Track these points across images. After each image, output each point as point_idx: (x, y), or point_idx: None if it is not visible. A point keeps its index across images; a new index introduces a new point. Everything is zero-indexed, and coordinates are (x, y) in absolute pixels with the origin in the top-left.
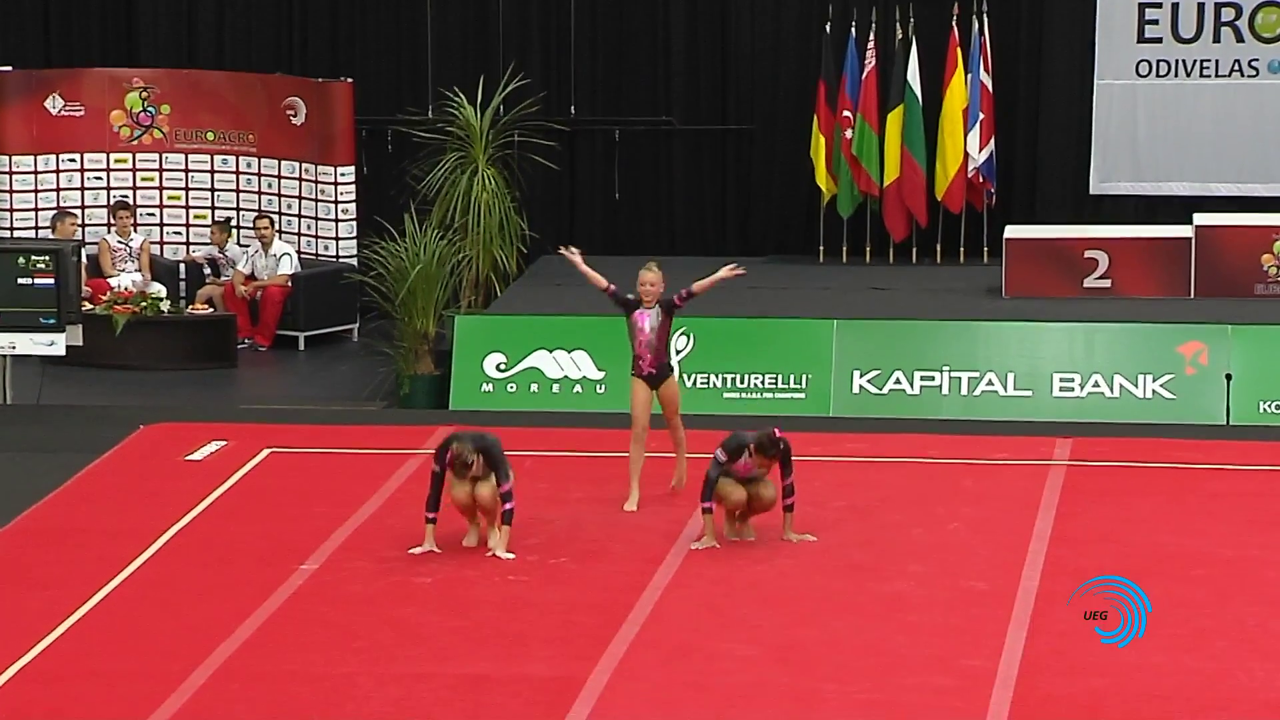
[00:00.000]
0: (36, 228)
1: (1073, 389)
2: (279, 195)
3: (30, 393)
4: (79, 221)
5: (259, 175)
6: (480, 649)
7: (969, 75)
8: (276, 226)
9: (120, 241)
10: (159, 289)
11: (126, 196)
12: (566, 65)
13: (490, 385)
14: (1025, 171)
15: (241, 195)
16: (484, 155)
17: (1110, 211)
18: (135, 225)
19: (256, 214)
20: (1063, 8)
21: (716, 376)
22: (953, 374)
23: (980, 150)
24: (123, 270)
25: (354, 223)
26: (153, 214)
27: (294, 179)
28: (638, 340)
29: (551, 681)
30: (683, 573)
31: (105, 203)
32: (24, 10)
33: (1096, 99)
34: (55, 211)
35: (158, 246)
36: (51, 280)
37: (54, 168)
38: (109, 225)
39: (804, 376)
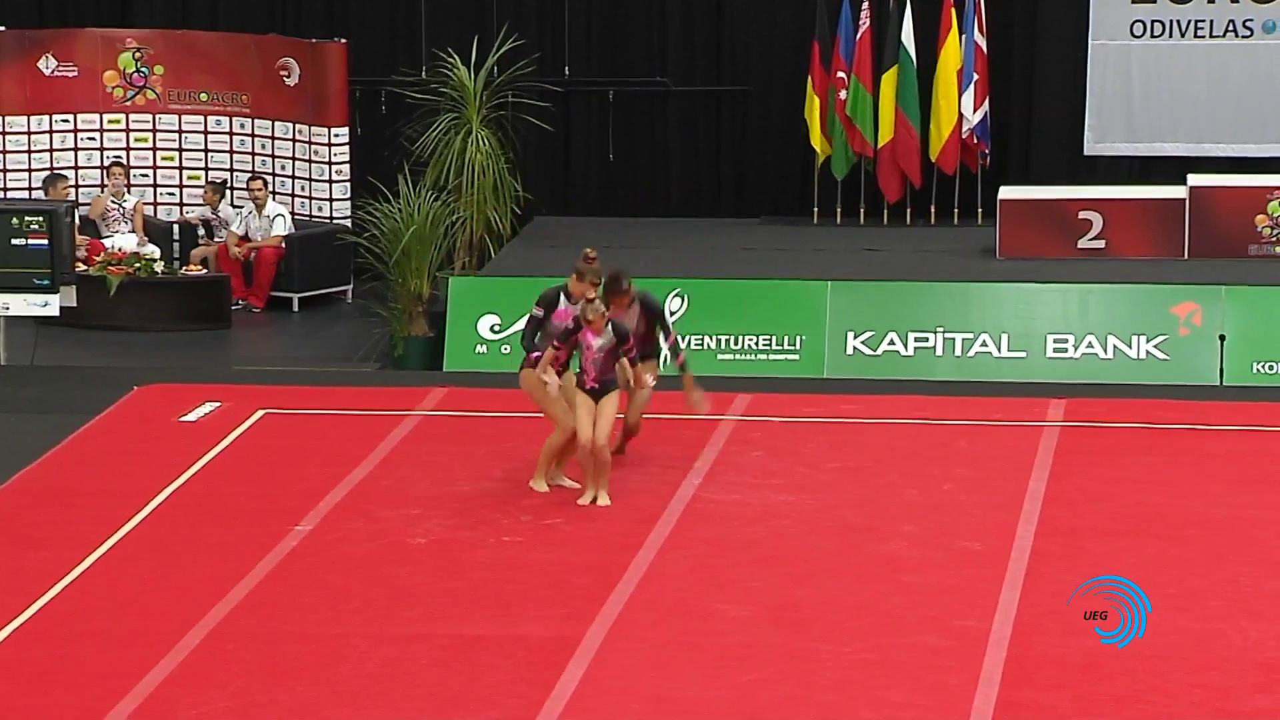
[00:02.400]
0: (30, 188)
1: (1066, 350)
2: (272, 156)
3: (24, 354)
4: (71, 183)
5: (253, 136)
6: (474, 610)
7: (964, 36)
8: (270, 188)
9: (114, 201)
10: (153, 250)
11: (120, 157)
12: (561, 26)
13: (484, 347)
14: (1019, 132)
15: (235, 156)
16: (478, 116)
17: (1104, 172)
18: (129, 186)
19: (250, 175)
20: None
21: (710, 338)
22: (947, 335)
23: (975, 111)
24: (116, 231)
25: (348, 184)
26: (146, 175)
27: (288, 140)
28: (585, 356)
29: (546, 642)
30: (677, 533)
31: (99, 164)
32: None
33: (1091, 60)
34: (48, 174)
35: (151, 207)
36: (45, 241)
37: (47, 128)
38: (103, 186)
39: (798, 338)
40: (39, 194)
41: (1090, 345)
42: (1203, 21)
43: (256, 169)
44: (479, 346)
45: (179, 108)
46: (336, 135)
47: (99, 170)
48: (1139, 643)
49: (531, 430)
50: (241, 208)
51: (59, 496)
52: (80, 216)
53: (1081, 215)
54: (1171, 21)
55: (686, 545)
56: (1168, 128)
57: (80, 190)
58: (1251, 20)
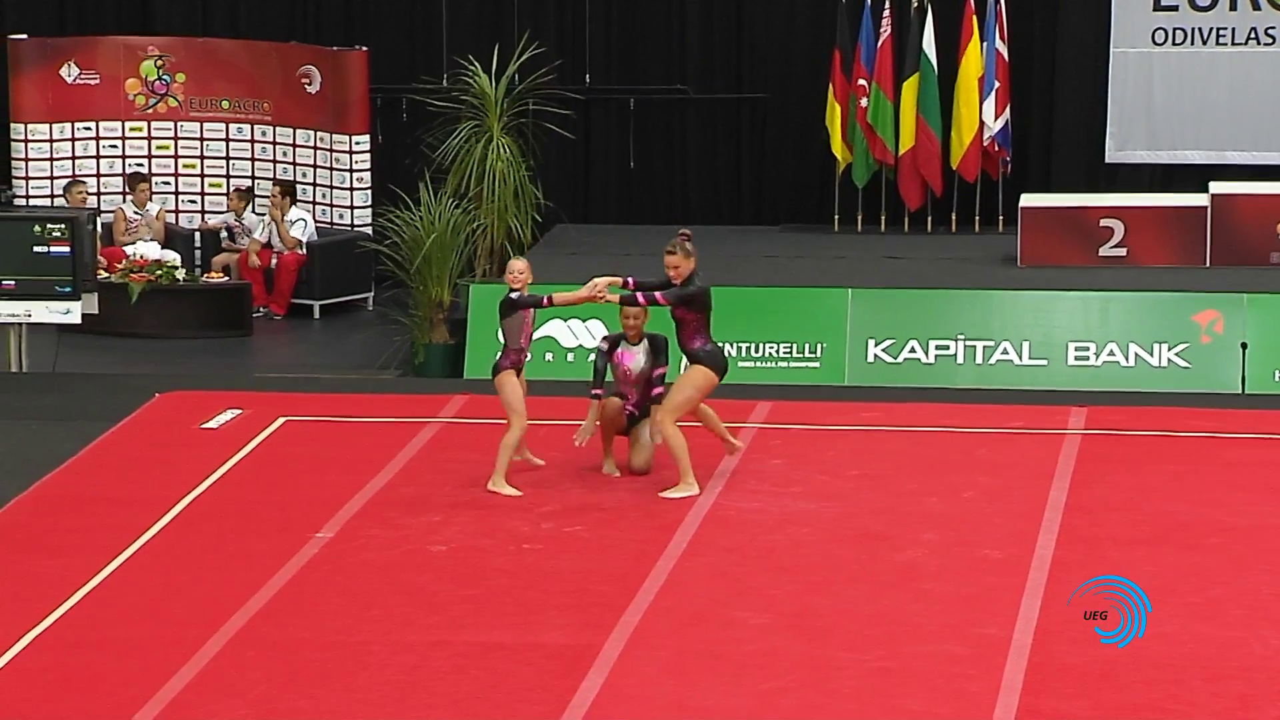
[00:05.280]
0: (52, 196)
1: (1088, 358)
2: (294, 164)
3: (46, 361)
4: (90, 190)
5: (274, 144)
6: (494, 618)
7: (984, 43)
8: (292, 197)
9: (136, 212)
10: (174, 257)
11: (142, 165)
12: (581, 34)
13: None
14: (1040, 140)
15: (256, 164)
16: (499, 124)
17: (1126, 180)
18: (151, 196)
19: (273, 182)
20: None
21: (731, 345)
22: (967, 343)
23: (995, 119)
24: (140, 239)
25: (369, 191)
26: (168, 182)
27: (309, 148)
28: (525, 334)
29: (566, 650)
30: (697, 541)
31: (120, 171)
32: None
33: (1112, 67)
34: (68, 180)
35: (173, 215)
36: (67, 248)
37: (69, 136)
38: (124, 194)
39: (819, 345)
40: (60, 201)
41: (1111, 353)
42: (1224, 29)
43: (278, 177)
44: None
45: (200, 115)
46: (358, 143)
47: (120, 178)
48: (1160, 651)
49: (553, 437)
50: (264, 215)
51: (80, 504)
52: (103, 224)
53: (1103, 223)
54: (1193, 29)
55: (706, 553)
56: (1189, 135)
57: (102, 198)
58: (1274, 28)
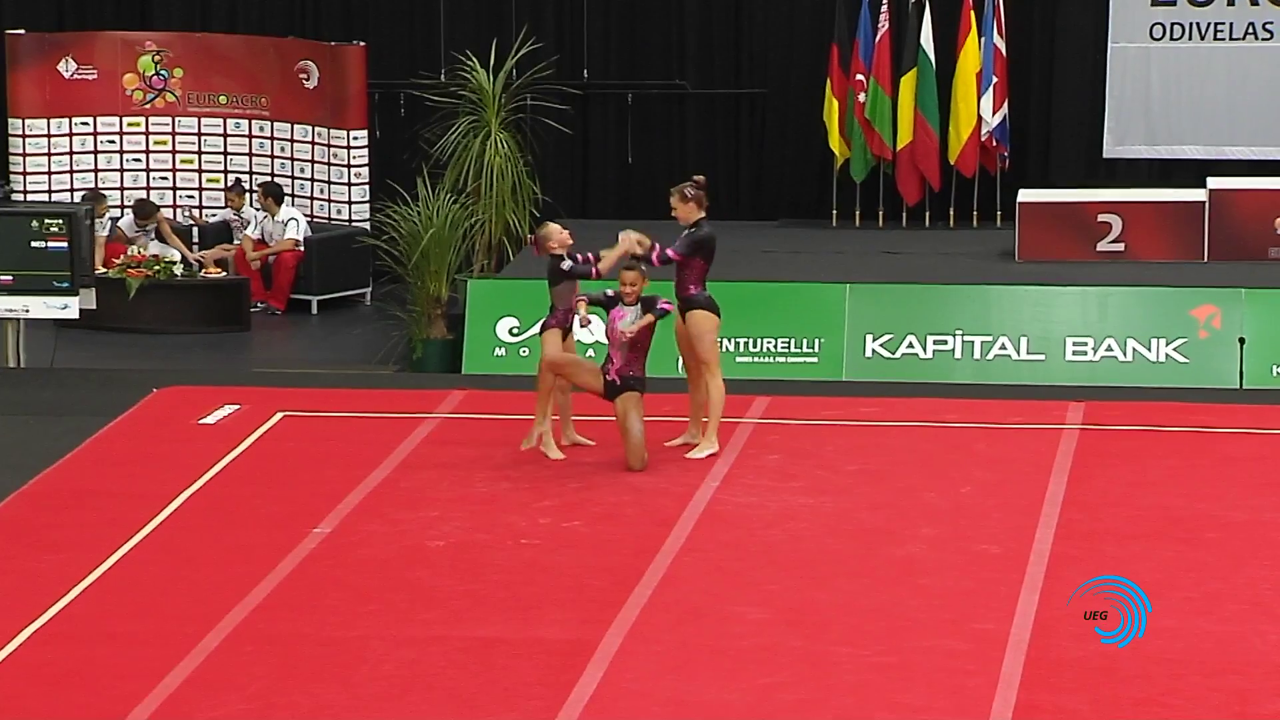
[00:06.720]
0: (49, 191)
1: (1086, 353)
2: (291, 159)
3: (44, 356)
4: (115, 202)
5: (271, 139)
6: (493, 613)
7: (983, 38)
8: (276, 198)
9: (139, 229)
10: (174, 253)
11: (139, 160)
12: (579, 28)
13: (503, 349)
14: (1039, 135)
15: (254, 159)
16: (496, 119)
17: (1124, 175)
18: (159, 219)
19: (259, 187)
20: None
21: (730, 340)
22: (965, 338)
23: (994, 114)
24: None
25: (366, 186)
26: (165, 178)
27: (306, 143)
28: (574, 292)
29: (564, 645)
30: (695, 536)
31: (118, 166)
32: None
33: (1110, 62)
34: (88, 193)
35: (170, 209)
36: (64, 244)
37: (66, 131)
38: (121, 208)
39: (817, 340)
40: (59, 196)
41: (1109, 348)
42: (1222, 24)
43: (275, 172)
44: (497, 349)
45: (198, 110)
46: (355, 138)
47: (118, 173)
48: (1158, 646)
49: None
50: (259, 210)
51: (78, 499)
52: (111, 220)
53: (1101, 218)
54: (1191, 24)
55: (704, 548)
56: (1187, 130)
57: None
58: (1272, 23)
